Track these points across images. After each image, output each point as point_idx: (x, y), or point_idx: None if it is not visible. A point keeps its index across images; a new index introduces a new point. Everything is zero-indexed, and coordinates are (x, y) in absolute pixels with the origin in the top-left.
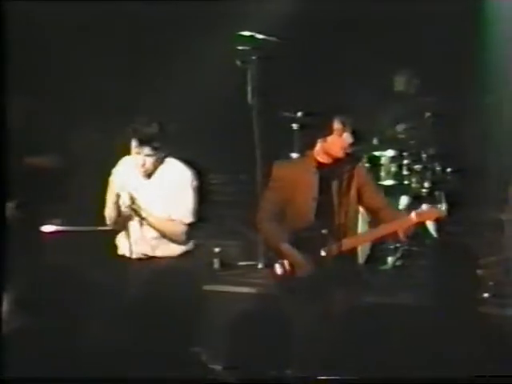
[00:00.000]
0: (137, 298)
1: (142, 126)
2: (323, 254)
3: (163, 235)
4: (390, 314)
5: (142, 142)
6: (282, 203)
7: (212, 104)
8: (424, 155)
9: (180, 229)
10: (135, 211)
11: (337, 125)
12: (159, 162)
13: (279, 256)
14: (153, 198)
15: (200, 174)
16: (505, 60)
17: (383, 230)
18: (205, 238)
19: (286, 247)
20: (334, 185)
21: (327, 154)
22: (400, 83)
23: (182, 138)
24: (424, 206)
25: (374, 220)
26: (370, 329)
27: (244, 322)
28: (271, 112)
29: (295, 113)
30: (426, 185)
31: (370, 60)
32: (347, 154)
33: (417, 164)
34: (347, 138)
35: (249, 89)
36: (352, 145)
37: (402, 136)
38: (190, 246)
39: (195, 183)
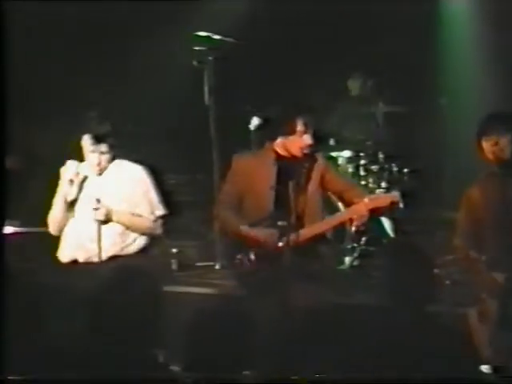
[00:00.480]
0: (94, 299)
1: (96, 124)
2: (281, 244)
3: (133, 230)
4: (347, 313)
5: (97, 140)
6: (240, 195)
7: (169, 104)
8: (381, 156)
9: (149, 223)
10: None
11: (299, 125)
12: (110, 160)
13: (241, 240)
14: (108, 195)
15: (156, 173)
16: (459, 62)
17: (339, 217)
18: (162, 238)
19: (244, 228)
20: (293, 176)
21: (288, 152)
22: (356, 84)
23: (138, 137)
24: (377, 192)
25: (344, 203)
26: (328, 328)
27: (203, 323)
28: (228, 112)
29: (252, 113)
30: (383, 185)
31: (326, 61)
32: (305, 154)
33: (373, 164)
34: (307, 139)
35: (205, 89)
36: (311, 146)
37: (359, 137)
38: (146, 242)
39: (149, 178)
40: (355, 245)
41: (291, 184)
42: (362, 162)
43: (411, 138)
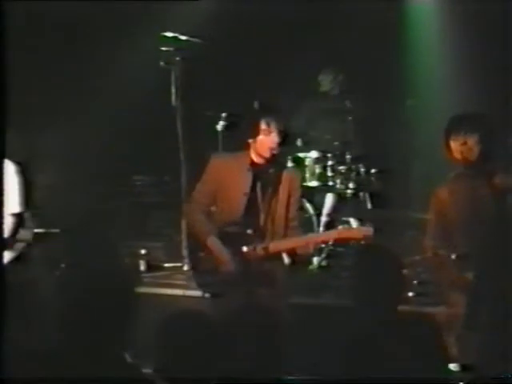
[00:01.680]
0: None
1: None
2: (246, 250)
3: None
4: (314, 314)
5: None
6: (214, 195)
7: (135, 105)
8: (348, 156)
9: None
10: None
11: (263, 125)
12: None
13: (204, 250)
14: None
15: (123, 174)
16: (427, 62)
17: (310, 239)
18: (129, 239)
19: (212, 241)
20: (265, 186)
21: (259, 154)
22: (323, 84)
23: (103, 137)
24: (352, 223)
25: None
26: (296, 329)
27: (172, 324)
28: (195, 113)
29: (219, 113)
30: (351, 186)
31: (294, 60)
32: (274, 155)
33: (341, 165)
34: (274, 138)
35: (172, 90)
36: (279, 145)
37: (326, 137)
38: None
39: (19, 175)
40: (323, 245)
41: (263, 194)
42: (330, 162)
43: (379, 138)
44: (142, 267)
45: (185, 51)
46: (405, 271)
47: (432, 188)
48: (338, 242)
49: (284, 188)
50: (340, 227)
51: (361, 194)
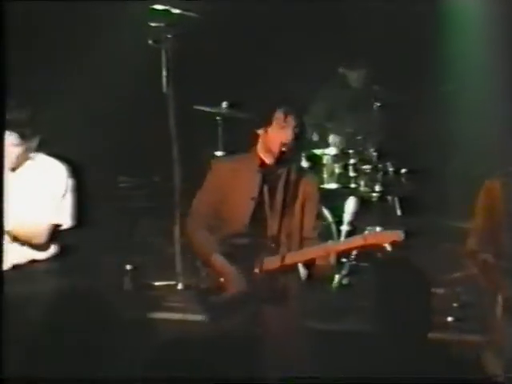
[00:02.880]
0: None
1: (11, 108)
2: (259, 267)
3: (23, 241)
4: (333, 341)
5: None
6: (217, 205)
7: (118, 92)
8: (374, 153)
9: (44, 232)
10: None
11: (279, 115)
12: (26, 155)
13: (209, 269)
14: (16, 195)
15: (103, 175)
16: (465, 42)
17: (330, 247)
18: (112, 252)
19: (217, 260)
20: (276, 190)
21: (268, 150)
22: (345, 71)
23: (79, 132)
24: (378, 229)
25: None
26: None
27: (164, 354)
28: (190, 102)
29: (219, 103)
30: (377, 188)
31: (310, 43)
32: (285, 152)
33: (365, 164)
34: (288, 132)
35: (163, 74)
36: (293, 140)
37: (347, 130)
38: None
39: (70, 181)
40: (344, 260)
41: (275, 198)
42: (352, 160)
43: (410, 131)
44: (128, 286)
45: (178, 27)
46: (441, 291)
47: (473, 191)
48: (365, 250)
49: (298, 192)
50: (366, 232)
51: (389, 197)
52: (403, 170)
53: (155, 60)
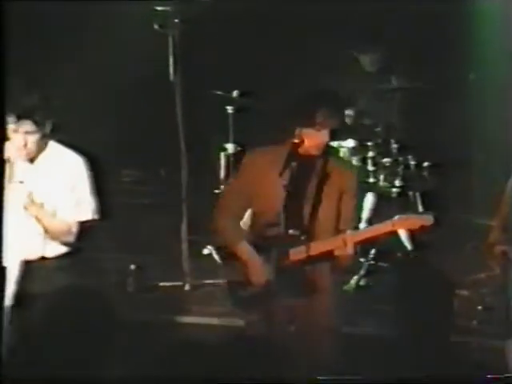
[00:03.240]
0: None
1: (20, 95)
2: (285, 258)
3: (50, 234)
4: (350, 345)
5: (20, 116)
6: (248, 196)
7: (124, 80)
8: (394, 146)
9: (69, 227)
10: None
11: (319, 118)
12: (43, 144)
13: (235, 258)
14: (38, 188)
15: (106, 168)
16: (491, 25)
17: (351, 236)
18: (115, 251)
19: (242, 247)
20: (311, 181)
21: (303, 146)
22: (364, 57)
23: (82, 119)
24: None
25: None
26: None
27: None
28: (199, 91)
29: (230, 91)
30: (398, 183)
31: (324, 28)
32: (321, 151)
33: (385, 157)
34: (325, 135)
35: (170, 61)
36: (327, 143)
37: (365, 121)
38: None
39: (89, 173)
40: (362, 259)
41: (309, 189)
42: (371, 153)
43: (433, 122)
44: (131, 287)
45: (185, 12)
46: (465, 293)
47: (499, 186)
48: (392, 235)
49: (335, 183)
50: (396, 217)
51: (410, 193)
52: (425, 164)
53: (162, 46)
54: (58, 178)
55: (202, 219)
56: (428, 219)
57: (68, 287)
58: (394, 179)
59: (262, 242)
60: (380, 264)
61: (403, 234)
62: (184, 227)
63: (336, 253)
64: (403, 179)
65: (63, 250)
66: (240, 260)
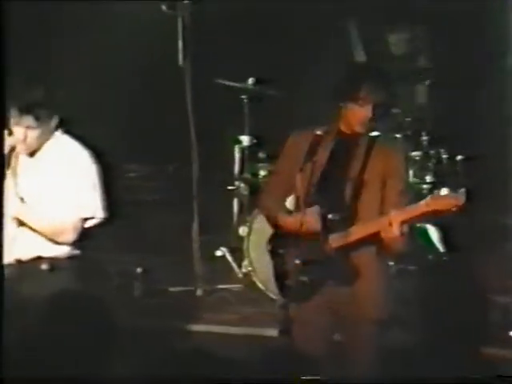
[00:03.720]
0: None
1: (21, 88)
2: (325, 244)
3: (48, 235)
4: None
5: (22, 110)
6: (291, 180)
7: (129, 66)
8: (425, 138)
9: (72, 229)
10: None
11: (363, 92)
12: (45, 136)
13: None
14: (37, 182)
15: (110, 163)
16: None
17: (393, 217)
18: (120, 252)
19: (283, 217)
20: (353, 161)
21: (348, 125)
22: (392, 42)
23: (85, 111)
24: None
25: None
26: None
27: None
28: (211, 78)
29: (245, 79)
30: (428, 178)
31: (347, 11)
32: (365, 129)
33: (415, 150)
34: (368, 111)
35: (179, 45)
36: (371, 120)
37: (393, 111)
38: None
39: (95, 167)
40: (391, 263)
41: (351, 170)
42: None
43: (468, 112)
44: (138, 291)
45: None
46: (501, 300)
47: None
48: (428, 217)
49: (378, 164)
50: (428, 197)
51: (442, 189)
52: (459, 158)
53: (170, 29)
54: (60, 172)
55: (215, 218)
56: (461, 198)
57: (66, 291)
58: (425, 174)
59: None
60: (410, 267)
61: (435, 235)
62: (195, 226)
63: (382, 235)
64: (435, 174)
65: (64, 250)
66: (286, 228)
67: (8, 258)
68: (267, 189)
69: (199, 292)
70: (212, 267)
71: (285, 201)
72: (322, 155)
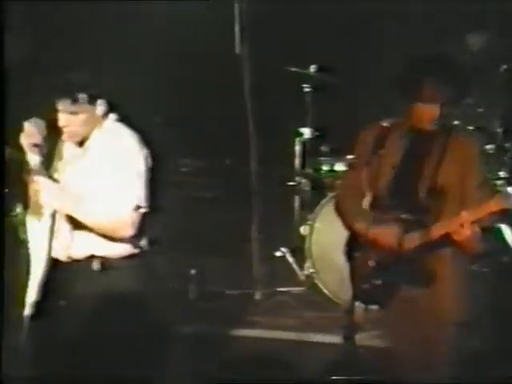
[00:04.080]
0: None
1: (70, 72)
2: (399, 245)
3: (105, 232)
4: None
5: (64, 96)
6: (365, 174)
7: (184, 55)
8: (499, 130)
9: (131, 221)
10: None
11: (427, 89)
12: (92, 124)
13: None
14: (88, 174)
15: (163, 157)
16: None
17: (467, 216)
18: (173, 253)
19: (361, 226)
20: (431, 158)
21: (419, 120)
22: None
23: (136, 102)
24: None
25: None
26: None
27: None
28: (270, 66)
29: (307, 66)
30: (503, 174)
31: None
32: (438, 125)
33: (488, 143)
34: (436, 110)
35: (236, 31)
36: (440, 118)
37: (466, 101)
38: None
39: (148, 160)
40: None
41: (426, 165)
42: None
43: None
44: (193, 294)
45: None
46: None
47: None
48: (500, 216)
49: (453, 161)
50: (496, 196)
51: (509, 187)
52: None
53: (226, 15)
54: (111, 161)
55: (274, 216)
56: None
57: (117, 291)
58: (499, 169)
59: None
60: (483, 269)
61: (509, 235)
62: (253, 225)
63: (455, 237)
64: (510, 170)
65: (117, 249)
66: (365, 238)
67: (62, 256)
68: (344, 186)
69: (258, 295)
70: (271, 269)
71: (361, 200)
72: (395, 152)
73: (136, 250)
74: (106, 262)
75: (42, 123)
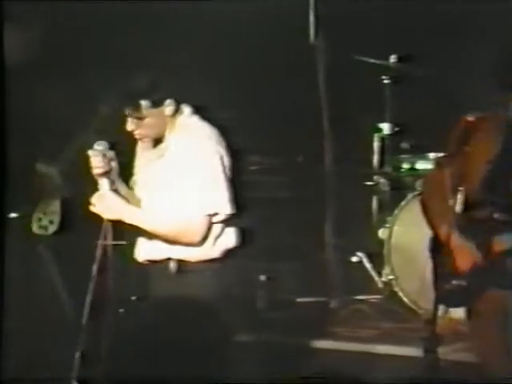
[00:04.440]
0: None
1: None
2: (487, 247)
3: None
4: None
5: (131, 97)
6: (458, 173)
7: (252, 46)
8: None
9: (200, 227)
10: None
11: None
12: (163, 125)
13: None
14: (161, 179)
15: (232, 154)
16: None
17: None
18: (241, 258)
19: (445, 231)
20: None
21: None
22: None
23: (203, 95)
24: None
25: None
26: None
27: None
28: (346, 56)
29: (386, 58)
30: None
31: None
32: None
33: None
34: None
35: (310, 19)
36: None
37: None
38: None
39: (227, 158)
40: None
41: None
42: None
43: None
44: (262, 303)
45: None
46: None
47: None
48: None
49: None
50: None
51: None
52: None
53: (300, 1)
54: (188, 161)
55: (351, 218)
56: None
57: (180, 297)
58: None
59: (468, 227)
60: None
61: None
62: (328, 228)
63: None
64: None
65: (191, 252)
66: (446, 246)
67: (140, 258)
68: (428, 186)
69: (333, 303)
70: (347, 275)
71: (447, 200)
72: (490, 146)
73: (214, 254)
74: (182, 264)
75: (105, 144)
